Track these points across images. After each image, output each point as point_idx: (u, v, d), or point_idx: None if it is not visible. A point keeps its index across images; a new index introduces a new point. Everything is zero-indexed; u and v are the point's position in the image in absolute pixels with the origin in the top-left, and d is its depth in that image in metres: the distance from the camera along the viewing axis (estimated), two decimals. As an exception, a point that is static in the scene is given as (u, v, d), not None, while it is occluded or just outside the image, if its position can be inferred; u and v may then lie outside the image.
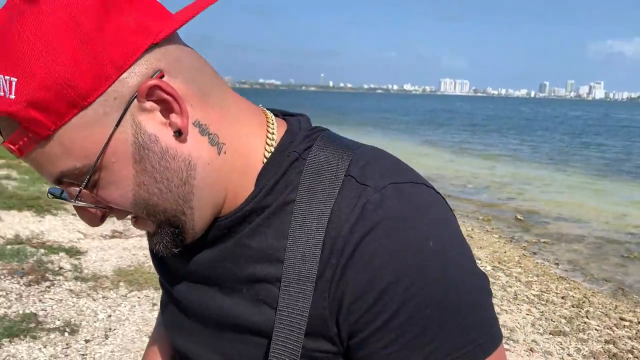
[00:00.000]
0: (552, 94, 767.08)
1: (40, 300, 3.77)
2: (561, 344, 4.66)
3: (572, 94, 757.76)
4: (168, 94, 0.56)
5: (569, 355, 4.45)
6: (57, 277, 4.23)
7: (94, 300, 3.92)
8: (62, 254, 4.79)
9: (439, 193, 0.64)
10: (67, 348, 3.17)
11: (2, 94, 0.52)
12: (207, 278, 0.68)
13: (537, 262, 7.57)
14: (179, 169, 0.59)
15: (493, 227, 9.57)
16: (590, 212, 11.31)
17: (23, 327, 3.29)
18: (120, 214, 0.63)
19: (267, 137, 0.66)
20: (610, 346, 4.73)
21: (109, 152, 0.56)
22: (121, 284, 4.27)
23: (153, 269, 4.62)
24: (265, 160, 0.65)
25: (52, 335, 3.28)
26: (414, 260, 0.57)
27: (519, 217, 10.33)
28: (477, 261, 5.68)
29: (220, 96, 0.63)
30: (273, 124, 0.67)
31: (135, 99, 0.56)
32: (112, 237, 5.63)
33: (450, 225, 0.62)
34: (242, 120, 0.65)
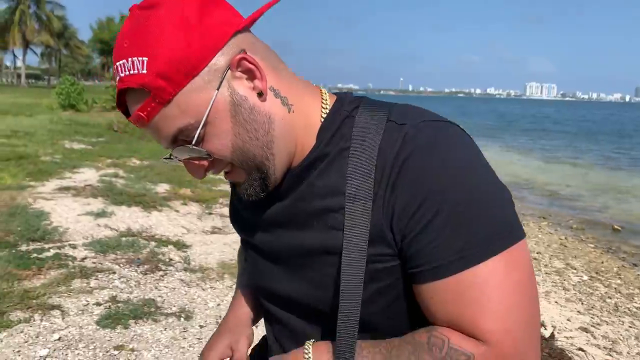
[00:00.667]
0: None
1: (156, 288, 4.10)
2: (669, 360, 4.44)
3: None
4: (252, 64, 0.76)
5: (678, 371, 4.23)
6: (169, 268, 4.58)
7: (203, 290, 4.20)
8: (170, 246, 5.17)
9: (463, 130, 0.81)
10: (185, 332, 3.44)
11: (135, 71, 0.72)
12: (284, 221, 0.85)
13: (639, 275, 7.18)
14: (262, 122, 0.78)
15: (587, 237, 9.16)
16: (696, 223, 10.54)
17: (145, 311, 3.61)
18: (220, 165, 0.80)
19: (322, 103, 0.85)
20: None
21: (213, 110, 0.74)
22: (225, 276, 4.54)
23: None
24: (322, 120, 0.83)
25: (170, 320, 3.57)
26: (446, 174, 0.73)
27: (615, 226, 9.80)
28: (573, 271, 5.54)
29: (285, 71, 0.83)
30: (325, 94, 0.87)
31: (229, 69, 0.75)
32: (213, 232, 5.98)
33: (473, 148, 0.78)
34: (302, 89, 0.84)
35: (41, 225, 5.31)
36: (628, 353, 4.45)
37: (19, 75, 75.52)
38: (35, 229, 5.16)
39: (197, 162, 0.79)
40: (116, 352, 3.05)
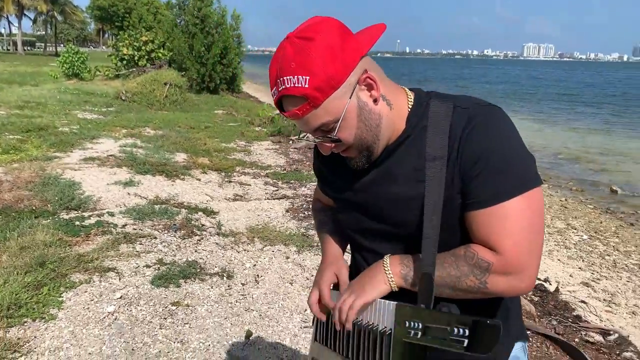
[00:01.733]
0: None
1: (196, 251, 4.47)
2: (663, 309, 4.86)
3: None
4: (373, 80, 1.10)
5: (671, 319, 4.65)
6: (203, 232, 4.94)
7: (238, 252, 4.58)
8: (200, 213, 5.52)
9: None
10: (229, 289, 3.82)
11: (299, 85, 1.05)
12: (379, 180, 1.20)
13: (636, 233, 7.59)
14: (375, 119, 1.13)
15: (587, 198, 9.55)
16: (691, 184, 10.92)
17: (192, 271, 3.98)
18: (342, 147, 1.15)
19: (407, 98, 1.20)
20: None
21: (346, 112, 1.09)
22: (255, 239, 4.91)
23: (279, 227, 5.25)
24: (409, 109, 1.19)
25: (214, 279, 3.95)
26: (493, 142, 1.08)
27: (614, 188, 10.19)
28: (573, 230, 5.94)
29: (387, 79, 1.17)
30: (408, 91, 1.22)
31: (357, 84, 1.09)
32: (235, 199, 6.32)
33: (510, 124, 1.13)
34: (396, 90, 1.19)
35: (75, 195, 5.63)
36: (626, 304, 4.87)
37: (14, 43, 74.46)
38: (70, 198, 5.48)
39: (328, 144, 1.15)
40: (174, 308, 3.44)
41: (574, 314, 4.31)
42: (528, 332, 3.64)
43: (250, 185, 7.07)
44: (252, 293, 3.81)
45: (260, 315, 3.50)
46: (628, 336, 4.05)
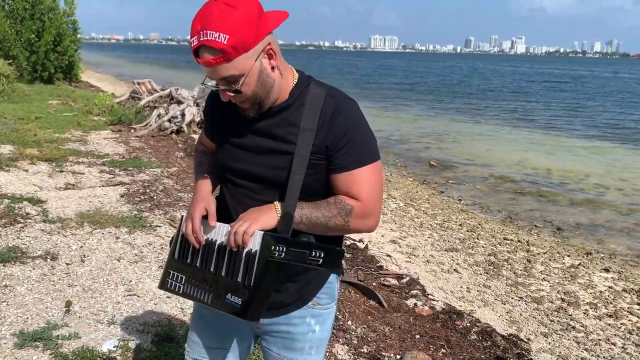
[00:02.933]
0: (477, 49, 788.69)
1: (18, 238, 4.42)
2: (453, 257, 5.83)
3: (496, 49, 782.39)
4: (274, 52, 1.40)
5: (457, 264, 5.61)
6: (28, 220, 4.87)
7: (65, 236, 4.61)
8: (25, 202, 5.38)
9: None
10: (53, 269, 3.89)
11: (220, 40, 1.29)
12: (262, 133, 1.49)
13: (444, 199, 8.80)
14: (270, 82, 1.41)
15: (409, 172, 10.76)
16: (495, 157, 12.77)
17: (12, 256, 3.97)
18: (240, 98, 1.41)
19: (293, 76, 1.51)
20: (492, 257, 5.95)
21: (251, 70, 1.36)
22: (85, 223, 4.96)
23: (111, 212, 5.33)
24: (293, 84, 1.50)
25: (37, 261, 3.99)
26: (352, 125, 1.46)
27: (432, 163, 11.58)
28: (393, 199, 6.82)
29: (282, 58, 1.46)
30: (295, 72, 1.53)
31: (262, 52, 1.37)
32: (67, 188, 6.21)
33: (361, 112, 1.51)
34: (286, 67, 1.50)
35: None
36: (423, 255, 5.75)
37: None
38: None
39: (230, 93, 1.41)
40: (-9, 289, 3.45)
41: (378, 265, 5.03)
42: (335, 282, 4.24)
43: (84, 174, 6.95)
44: (76, 271, 3.92)
45: (84, 289, 3.65)
46: (418, 278, 4.85)
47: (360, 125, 1.49)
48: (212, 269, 1.50)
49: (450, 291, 4.84)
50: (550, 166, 11.89)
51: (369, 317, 3.83)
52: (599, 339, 4.21)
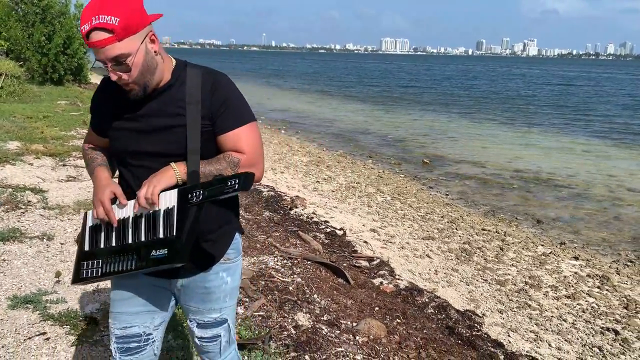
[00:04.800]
0: (489, 52, 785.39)
1: (19, 221, 4.83)
2: (428, 244, 6.16)
3: (508, 51, 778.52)
4: (155, 38, 1.66)
5: (430, 250, 5.94)
6: (29, 207, 5.28)
7: (62, 220, 5.01)
8: (27, 192, 5.80)
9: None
10: (48, 247, 4.29)
11: (111, 22, 1.50)
12: (153, 113, 1.69)
13: (431, 194, 9.12)
14: (154, 64, 1.63)
15: (402, 170, 11.08)
16: (489, 155, 13.04)
17: (11, 235, 4.37)
18: (128, 79, 1.58)
19: (172, 61, 1.74)
20: (466, 245, 6.27)
21: (138, 50, 1.57)
22: (82, 210, 5.35)
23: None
24: (173, 67, 1.73)
25: (34, 241, 4.39)
26: (231, 94, 1.75)
27: (425, 160, 11.89)
28: (381, 194, 7.22)
29: (160, 45, 1.69)
30: (172, 58, 1.77)
31: (147, 36, 1.61)
32: (68, 180, 6.63)
33: (234, 84, 1.79)
34: (164, 52, 1.72)
35: None
36: (399, 242, 6.09)
37: None
38: None
39: (120, 72, 1.57)
40: (-10, 262, 3.85)
41: (353, 249, 5.38)
42: (308, 263, 4.60)
43: (85, 167, 7.36)
44: (69, 250, 4.32)
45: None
46: (388, 260, 5.19)
47: (234, 93, 1.75)
48: (130, 240, 1.64)
49: (419, 273, 5.17)
50: (541, 164, 12.16)
51: (335, 292, 4.17)
52: (552, 316, 4.52)
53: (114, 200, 1.68)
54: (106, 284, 3.73)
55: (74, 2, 20.11)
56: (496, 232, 6.99)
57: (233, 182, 1.53)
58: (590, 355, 3.88)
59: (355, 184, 9.04)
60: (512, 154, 13.26)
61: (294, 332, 3.43)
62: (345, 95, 30.31)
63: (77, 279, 1.70)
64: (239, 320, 3.38)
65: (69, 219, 5.07)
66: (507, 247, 6.34)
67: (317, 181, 8.99)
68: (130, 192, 1.70)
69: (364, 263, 5.03)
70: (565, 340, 4.09)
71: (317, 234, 5.72)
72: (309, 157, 11.33)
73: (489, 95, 33.39)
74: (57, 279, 3.71)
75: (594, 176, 11.06)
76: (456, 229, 6.95)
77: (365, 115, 20.69)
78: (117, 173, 1.86)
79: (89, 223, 1.73)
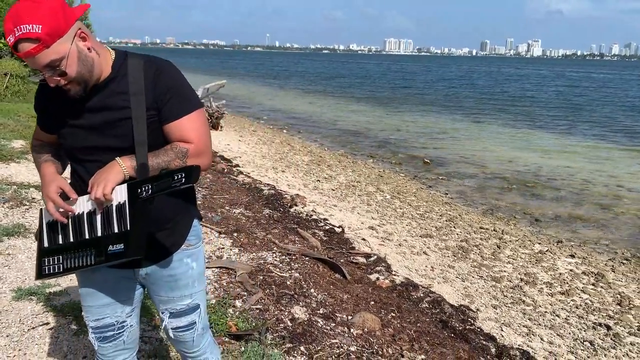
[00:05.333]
0: (493, 52, 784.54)
1: (23, 217, 4.93)
2: (425, 242, 6.24)
3: (512, 52, 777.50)
4: (85, 34, 1.61)
5: (428, 248, 6.02)
6: (33, 203, 5.39)
7: (65, 217, 5.11)
8: (32, 189, 5.91)
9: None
10: (52, 242, 4.39)
11: (34, 30, 1.45)
12: (97, 108, 1.66)
13: (430, 193, 9.19)
14: (90, 61, 1.60)
15: (402, 169, 11.16)
16: (489, 155, 13.11)
17: (16, 230, 4.47)
18: (67, 80, 1.56)
19: (110, 53, 1.70)
20: (463, 243, 6.34)
21: (70, 52, 1.53)
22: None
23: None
24: (112, 60, 1.69)
25: (38, 236, 4.49)
26: (176, 81, 1.71)
27: (426, 160, 11.96)
28: (381, 192, 7.29)
29: (95, 39, 1.66)
30: (111, 50, 1.73)
31: (75, 35, 1.56)
32: (71, 178, 6.74)
33: (180, 72, 1.77)
34: (102, 47, 1.69)
35: None
36: (397, 240, 6.17)
37: None
38: None
39: (56, 77, 1.56)
40: (-4, 256, 3.96)
41: (351, 246, 5.47)
42: (306, 259, 4.68)
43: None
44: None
45: (78, 258, 4.14)
46: (385, 257, 5.27)
47: (179, 80, 1.72)
48: (87, 236, 1.65)
49: (415, 269, 5.26)
50: (541, 164, 12.22)
51: (331, 286, 4.26)
52: (545, 312, 4.59)
53: (63, 195, 1.67)
54: (108, 277, 3.83)
55: (79, 1, 20.26)
56: (494, 230, 7.07)
57: (179, 176, 1.54)
58: (581, 349, 3.96)
59: (356, 182, 9.13)
60: (513, 155, 13.32)
61: (290, 324, 3.52)
62: (347, 96, 30.40)
63: (40, 275, 1.70)
64: (237, 312, 3.47)
65: (72, 216, 5.17)
66: (504, 245, 6.42)
67: (318, 180, 9.08)
68: (84, 187, 1.68)
69: (361, 259, 5.11)
70: (558, 334, 4.17)
71: (316, 231, 5.81)
72: (310, 157, 11.43)
73: (491, 96, 33.43)
74: (60, 272, 3.81)
75: (594, 177, 11.12)
76: (454, 227, 7.03)
77: (367, 115, 20.77)
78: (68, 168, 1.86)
79: (45, 219, 1.73)
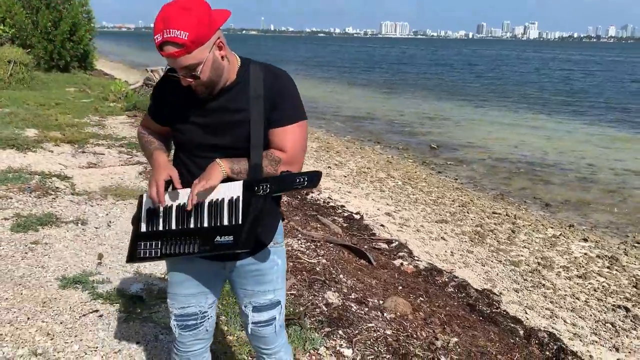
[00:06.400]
0: (489, 35, 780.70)
1: (51, 206, 5.02)
2: (442, 228, 6.36)
3: (508, 34, 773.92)
4: (223, 44, 1.72)
5: (445, 233, 6.14)
6: (58, 193, 5.46)
7: (92, 206, 5.20)
8: (54, 178, 5.98)
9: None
10: (84, 231, 4.48)
11: (181, 36, 1.58)
12: (218, 110, 1.78)
13: (441, 179, 9.30)
14: (222, 68, 1.72)
15: (410, 155, 11.25)
16: (495, 140, 13.20)
17: (48, 220, 4.56)
18: (198, 83, 1.69)
19: (237, 60, 1.82)
20: (478, 228, 6.47)
21: (207, 59, 1.66)
22: (109, 196, 5.54)
23: (131, 186, 5.92)
24: (238, 67, 1.81)
25: (70, 225, 4.58)
26: (289, 91, 1.82)
27: (432, 145, 12.05)
28: (392, 179, 7.41)
29: (228, 48, 1.77)
30: (237, 57, 1.85)
31: (214, 44, 1.68)
32: (89, 167, 6.81)
33: (294, 81, 1.87)
34: (231, 54, 1.80)
35: None
36: (414, 225, 6.29)
37: None
38: None
39: (190, 79, 1.67)
40: (34, 245, 4.05)
41: (371, 232, 5.58)
42: (330, 245, 4.79)
43: (104, 154, 7.54)
44: (104, 234, 4.51)
45: (112, 247, 4.23)
46: (406, 243, 5.39)
47: (291, 89, 1.82)
48: (192, 225, 1.73)
49: (435, 255, 5.38)
50: (547, 148, 12.33)
51: (359, 272, 4.38)
52: (565, 295, 4.73)
53: (168, 183, 1.77)
54: (147, 267, 3.93)
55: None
56: (506, 215, 7.19)
57: (302, 179, 1.62)
58: (604, 331, 4.10)
59: (366, 169, 9.22)
60: (518, 139, 13.42)
61: (325, 309, 3.63)
62: (348, 81, 30.36)
63: (134, 258, 1.79)
64: (274, 298, 3.58)
65: (98, 205, 5.26)
66: (518, 229, 6.54)
67: (329, 167, 9.17)
68: (190, 179, 1.77)
69: (384, 245, 5.23)
70: (580, 317, 4.30)
71: (336, 217, 5.92)
72: (318, 143, 11.50)
73: (493, 80, 33.43)
74: (99, 260, 3.91)
75: (600, 161, 11.24)
76: (467, 212, 7.15)
77: (369, 100, 20.80)
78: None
79: (145, 205, 1.82)
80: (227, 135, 1.77)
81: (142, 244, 1.78)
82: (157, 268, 3.93)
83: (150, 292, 3.51)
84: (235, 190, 1.71)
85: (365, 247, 5.02)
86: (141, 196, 1.85)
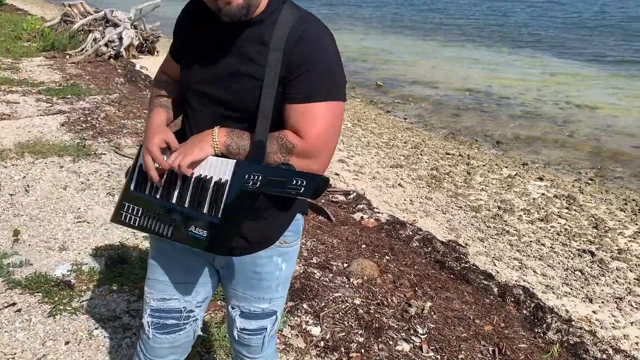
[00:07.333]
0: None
1: (-45, 171, 4.28)
2: (397, 173, 6.05)
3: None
4: None
5: (401, 179, 5.84)
6: (-36, 153, 4.69)
7: (5, 167, 4.48)
8: None
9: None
10: (-5, 200, 3.83)
11: None
12: (229, 51, 1.35)
13: (390, 119, 8.97)
14: None
15: (357, 93, 10.81)
16: (440, 75, 12.94)
17: (-50, 189, 3.86)
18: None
19: None
20: (434, 171, 6.21)
21: None
22: (26, 154, 4.82)
23: (53, 141, 5.19)
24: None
25: (-22, 193, 3.90)
26: (322, 54, 1.30)
27: (379, 83, 11.64)
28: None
29: None
30: None
31: None
32: (1, 119, 5.96)
33: (333, 39, 1.35)
34: None
35: None
36: (370, 172, 5.94)
37: None
38: None
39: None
40: None
41: (326, 183, 5.19)
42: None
43: (19, 103, 6.64)
44: (21, 201, 3.87)
45: (31, 218, 3.62)
46: (364, 194, 5.04)
47: (330, 55, 1.33)
48: (174, 200, 1.39)
49: (395, 204, 5.08)
50: (491, 82, 12.19)
51: (318, 231, 4.00)
52: (530, 241, 4.57)
53: (164, 150, 1.40)
54: (75, 240, 3.38)
55: None
56: (460, 155, 6.97)
57: (298, 182, 1.25)
58: (574, 280, 3.96)
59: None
60: (463, 73, 13.21)
61: (285, 279, 3.25)
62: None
63: (116, 218, 1.49)
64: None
65: (12, 165, 4.55)
66: (473, 170, 6.34)
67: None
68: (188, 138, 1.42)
69: (341, 197, 4.86)
70: (548, 265, 4.15)
71: (286, 167, 5.47)
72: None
73: (434, 13, 32.96)
74: (16, 237, 3.31)
75: (543, 94, 11.22)
76: (421, 154, 6.87)
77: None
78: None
79: (139, 161, 1.47)
80: (231, 89, 1.35)
81: (127, 205, 1.47)
82: (89, 239, 3.39)
83: (79, 274, 2.98)
84: (225, 170, 1.31)
85: (322, 201, 4.63)
86: (140, 147, 1.49)
